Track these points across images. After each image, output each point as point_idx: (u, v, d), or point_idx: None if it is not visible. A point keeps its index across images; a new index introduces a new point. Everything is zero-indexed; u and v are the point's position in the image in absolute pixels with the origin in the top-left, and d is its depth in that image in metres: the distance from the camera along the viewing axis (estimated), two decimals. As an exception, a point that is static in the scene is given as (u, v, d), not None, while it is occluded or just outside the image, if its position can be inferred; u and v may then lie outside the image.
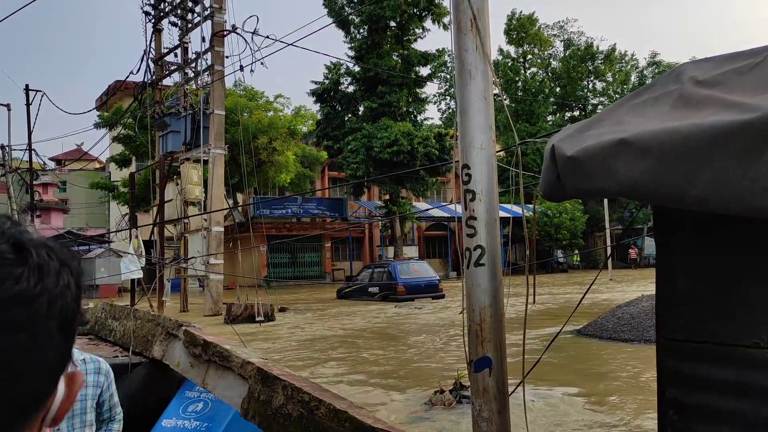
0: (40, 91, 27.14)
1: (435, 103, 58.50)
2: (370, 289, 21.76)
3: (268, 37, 16.30)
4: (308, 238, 38.49)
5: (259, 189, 30.74)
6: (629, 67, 50.74)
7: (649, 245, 48.57)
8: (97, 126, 29.34)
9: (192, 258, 16.71)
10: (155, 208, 20.27)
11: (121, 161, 31.43)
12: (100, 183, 34.10)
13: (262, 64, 16.78)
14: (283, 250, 36.37)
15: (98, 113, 32.46)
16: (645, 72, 47.48)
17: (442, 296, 21.19)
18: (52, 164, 46.35)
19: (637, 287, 24.64)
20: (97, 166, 49.83)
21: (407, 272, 21.36)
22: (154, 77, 20.77)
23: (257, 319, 14.60)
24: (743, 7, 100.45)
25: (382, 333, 13.64)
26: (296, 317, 16.83)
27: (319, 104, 35.95)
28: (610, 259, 31.73)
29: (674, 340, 2.17)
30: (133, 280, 18.99)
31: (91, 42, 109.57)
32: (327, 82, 35.97)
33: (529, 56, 46.67)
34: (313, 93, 36.09)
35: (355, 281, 23.83)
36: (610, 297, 19.32)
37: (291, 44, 15.01)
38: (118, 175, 34.23)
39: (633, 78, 49.74)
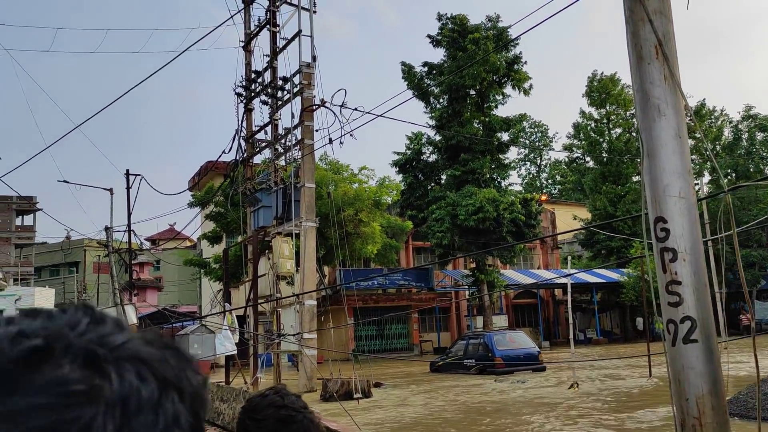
0: (139, 174, 28.49)
1: (515, 168, 57.85)
2: (465, 362, 20.74)
3: (356, 109, 16.38)
4: (395, 309, 37.85)
5: (345, 261, 30.71)
6: (720, 122, 48.56)
7: (761, 310, 44.78)
8: (190, 205, 30.41)
9: (288, 334, 16.43)
10: (247, 284, 20.35)
11: (213, 238, 32.28)
12: (194, 260, 35.08)
13: (351, 135, 16.83)
14: (369, 322, 35.82)
15: (191, 193, 33.77)
16: (740, 126, 45.23)
17: (543, 368, 19.86)
18: (147, 244, 48.42)
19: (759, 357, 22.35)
20: (188, 244, 51.71)
21: (504, 343, 20.25)
22: (245, 155, 21.32)
23: (355, 396, 13.96)
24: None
25: (498, 411, 12.66)
26: (394, 393, 16.06)
27: (402, 174, 36.09)
28: (722, 326, 29.22)
29: None
30: (227, 357, 18.90)
31: (184, 125, 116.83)
32: (409, 152, 36.21)
33: (613, 117, 45.54)
34: (396, 164, 36.34)
35: (449, 353, 22.85)
36: (734, 368, 17.45)
37: (380, 115, 14.92)
38: (210, 252, 35.15)
39: (726, 133, 47.47)
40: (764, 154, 43.16)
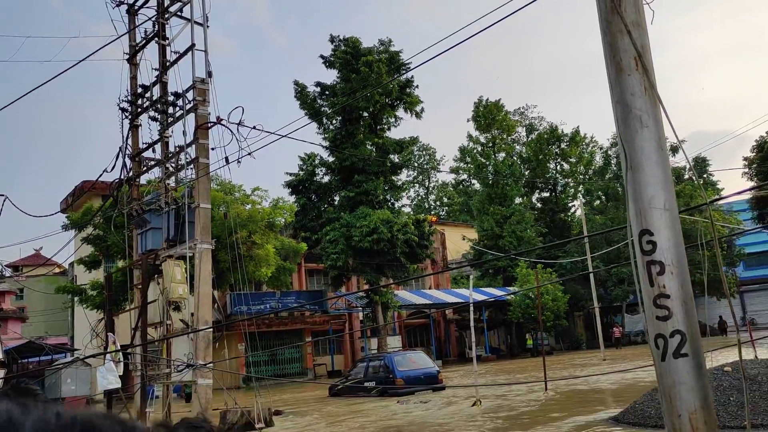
0: (2, 195, 25.86)
1: (406, 190, 58.93)
2: (366, 384, 20.50)
3: (254, 127, 15.88)
4: (288, 333, 37.03)
5: (236, 285, 29.64)
6: (591, 148, 52.33)
7: (630, 322, 48.21)
8: (65, 228, 28.14)
9: (189, 364, 15.44)
10: (133, 311, 19.00)
11: (91, 263, 30.06)
12: (67, 287, 32.44)
13: (249, 154, 16.27)
14: (261, 347, 34.75)
15: (66, 215, 31.32)
16: (609, 152, 48.83)
17: (443, 387, 20.03)
18: (9, 271, 44.37)
19: (634, 365, 23.88)
20: (57, 270, 47.95)
21: (405, 364, 20.24)
22: (131, 174, 20.05)
23: (258, 426, 13.30)
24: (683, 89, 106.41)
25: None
26: (298, 421, 15.48)
27: (295, 196, 35.58)
28: (601, 338, 31.08)
29: None
30: (109, 391, 17.46)
31: (60, 143, 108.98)
32: (302, 173, 35.77)
33: (497, 141, 47.67)
34: (288, 185, 35.77)
35: (348, 376, 22.51)
36: (619, 377, 18.45)
37: (285, 136, 14.52)
38: (86, 278, 32.69)
39: (597, 158, 51.11)
40: (631, 178, 46.67)
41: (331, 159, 35.74)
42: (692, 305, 2.68)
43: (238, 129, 16.72)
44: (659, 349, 2.69)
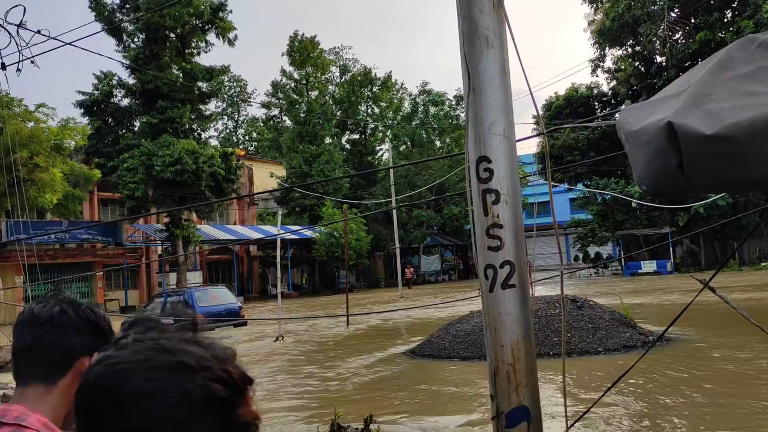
0: None
1: (214, 121, 56.10)
2: (162, 321, 19.46)
3: (39, 32, 13.78)
4: (76, 266, 33.98)
5: (14, 211, 26.26)
6: (400, 94, 53.89)
7: (426, 263, 51.64)
8: None
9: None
10: None
11: None
12: None
13: (33, 63, 14.14)
14: (45, 281, 31.48)
15: None
16: (418, 99, 50.61)
17: (245, 323, 19.74)
18: None
19: (430, 301, 25.65)
20: None
21: (206, 300, 19.53)
22: None
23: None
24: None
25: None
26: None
27: (88, 117, 32.04)
28: (400, 278, 32.80)
29: None
30: None
31: None
32: (97, 93, 32.26)
33: (311, 79, 47.02)
34: (81, 104, 32.09)
35: (143, 313, 21.22)
36: (418, 314, 19.58)
37: (69, 44, 12.74)
38: None
39: (406, 105, 52.82)
40: (435, 125, 49.12)
41: (131, 80, 32.64)
42: (522, 237, 2.64)
43: (18, 32, 14.42)
44: (488, 280, 2.62)
